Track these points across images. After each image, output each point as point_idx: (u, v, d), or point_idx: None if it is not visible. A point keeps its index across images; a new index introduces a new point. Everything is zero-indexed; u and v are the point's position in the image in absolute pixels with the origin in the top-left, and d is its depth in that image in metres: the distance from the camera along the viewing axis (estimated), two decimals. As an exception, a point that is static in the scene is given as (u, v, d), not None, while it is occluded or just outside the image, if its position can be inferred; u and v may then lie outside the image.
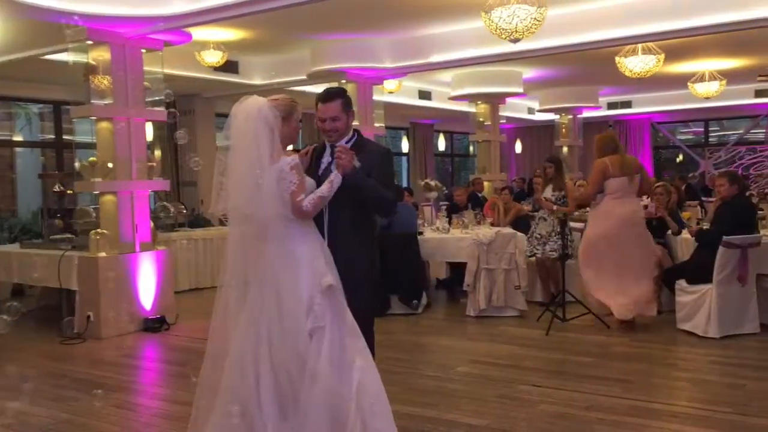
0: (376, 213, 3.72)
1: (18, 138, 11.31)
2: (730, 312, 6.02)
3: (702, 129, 18.39)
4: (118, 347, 6.40)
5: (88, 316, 6.72)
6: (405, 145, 17.66)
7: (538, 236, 7.48)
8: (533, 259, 7.52)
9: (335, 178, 3.36)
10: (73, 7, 6.27)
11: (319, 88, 10.54)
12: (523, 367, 5.36)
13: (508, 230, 7.52)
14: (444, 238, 7.75)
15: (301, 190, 3.28)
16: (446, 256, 7.90)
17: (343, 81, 9.64)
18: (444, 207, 9.28)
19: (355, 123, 9.52)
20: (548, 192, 7.45)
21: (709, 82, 11.57)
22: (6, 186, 11.05)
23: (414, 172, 17.50)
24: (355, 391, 3.18)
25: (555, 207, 7.13)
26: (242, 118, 3.27)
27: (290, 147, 3.57)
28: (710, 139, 18.25)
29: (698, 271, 6.15)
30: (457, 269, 8.21)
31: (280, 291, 3.23)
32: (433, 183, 11.83)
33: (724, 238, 5.89)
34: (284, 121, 3.33)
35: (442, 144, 18.64)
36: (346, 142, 3.57)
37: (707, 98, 12.03)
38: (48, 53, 7.72)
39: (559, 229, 7.28)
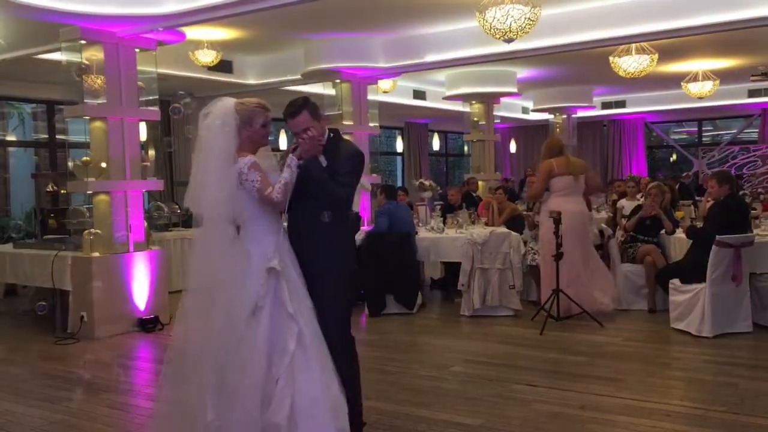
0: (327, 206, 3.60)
1: (11, 138, 11.27)
2: (723, 311, 6.03)
3: (695, 129, 18.44)
4: (112, 347, 6.38)
5: (82, 317, 6.70)
6: (399, 145, 17.66)
7: (531, 248, 7.59)
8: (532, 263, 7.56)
9: (291, 161, 3.41)
10: (67, 7, 6.25)
11: (313, 88, 10.57)
12: (517, 366, 5.37)
13: (503, 230, 7.52)
14: (438, 237, 7.75)
15: (265, 184, 3.37)
16: (441, 255, 7.89)
17: (338, 80, 9.64)
18: (438, 207, 9.29)
19: (349, 122, 9.66)
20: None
21: (702, 82, 11.60)
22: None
23: (409, 172, 17.50)
24: (283, 372, 3.25)
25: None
26: (207, 119, 3.40)
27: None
28: (704, 139, 18.30)
29: (692, 270, 6.17)
30: (452, 269, 8.22)
31: (230, 287, 3.35)
32: (427, 183, 11.82)
33: (718, 237, 5.90)
34: (245, 125, 3.43)
35: (436, 144, 18.65)
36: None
37: (701, 98, 12.07)
38: (41, 53, 7.71)
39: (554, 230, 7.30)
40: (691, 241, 6.49)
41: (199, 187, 3.39)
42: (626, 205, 8.97)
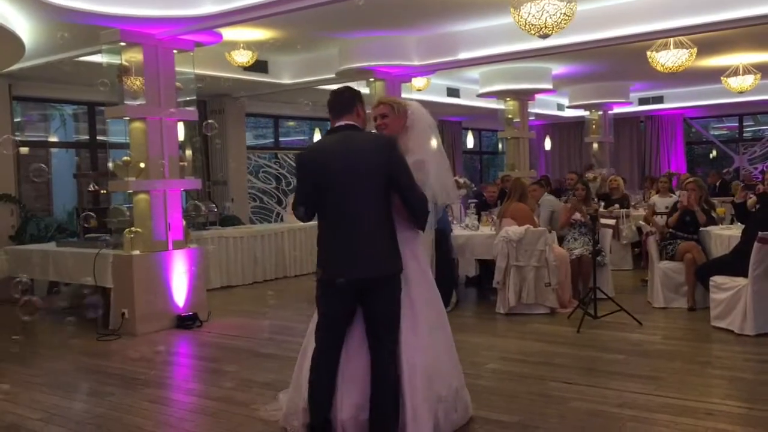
0: None
1: (53, 139, 11.53)
2: (766, 309, 5.91)
3: (736, 124, 18.04)
4: (152, 344, 6.50)
5: (123, 313, 6.84)
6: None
7: (566, 249, 7.66)
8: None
9: None
10: (107, 9, 6.38)
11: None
12: (554, 364, 5.33)
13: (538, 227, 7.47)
14: (473, 235, 7.73)
15: None
16: (475, 253, 7.88)
17: (372, 79, 9.67)
18: (473, 204, 9.26)
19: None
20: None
21: (743, 76, 11.34)
22: (42, 186, 11.27)
23: (442, 170, 17.43)
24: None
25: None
26: None
27: None
28: (744, 135, 17.91)
29: (738, 262, 6.05)
30: (487, 266, 8.19)
31: None
32: (461, 180, 11.78)
33: (760, 234, 5.79)
34: None
35: (470, 141, 18.56)
36: None
37: (741, 92, 11.80)
38: (82, 55, 7.87)
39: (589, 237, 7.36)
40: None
41: None
42: (658, 201, 8.92)
